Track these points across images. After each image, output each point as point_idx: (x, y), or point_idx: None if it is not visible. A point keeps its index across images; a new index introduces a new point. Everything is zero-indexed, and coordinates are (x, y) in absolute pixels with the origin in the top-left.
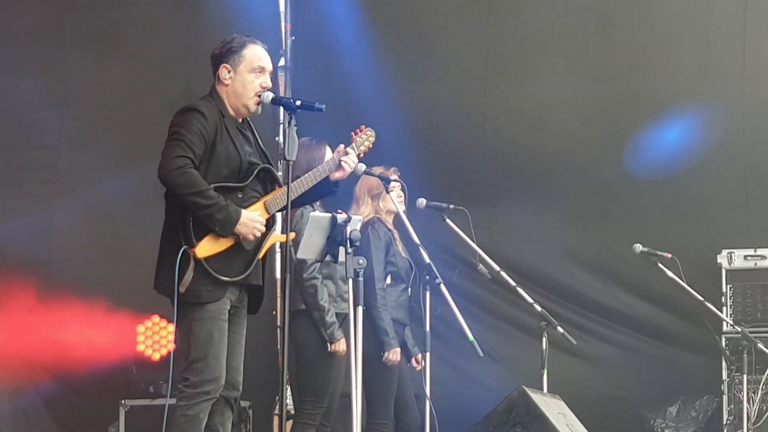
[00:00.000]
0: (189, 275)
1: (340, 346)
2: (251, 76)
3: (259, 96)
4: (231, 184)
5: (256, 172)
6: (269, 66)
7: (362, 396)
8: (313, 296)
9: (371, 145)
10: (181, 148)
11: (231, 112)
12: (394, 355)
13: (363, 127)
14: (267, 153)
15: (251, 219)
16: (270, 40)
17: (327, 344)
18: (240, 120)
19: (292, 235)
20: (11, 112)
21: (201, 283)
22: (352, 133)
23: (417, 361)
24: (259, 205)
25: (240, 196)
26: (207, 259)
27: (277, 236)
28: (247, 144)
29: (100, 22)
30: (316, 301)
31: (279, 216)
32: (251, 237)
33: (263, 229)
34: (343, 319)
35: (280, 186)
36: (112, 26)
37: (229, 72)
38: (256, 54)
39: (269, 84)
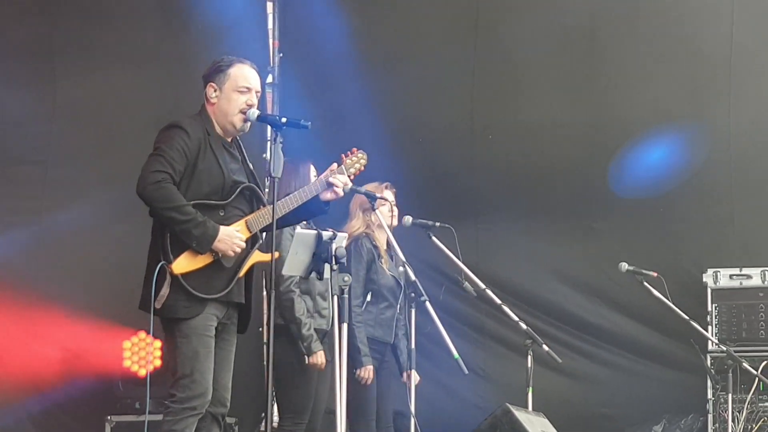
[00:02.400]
0: (165, 291)
1: (318, 359)
2: (236, 94)
3: (244, 113)
4: (213, 202)
5: (239, 190)
6: (255, 86)
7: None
8: (290, 309)
9: (362, 168)
10: (160, 163)
11: (218, 130)
12: (366, 372)
13: (354, 149)
14: (255, 173)
15: (229, 235)
16: (258, 57)
17: (304, 358)
18: (228, 139)
19: (277, 254)
20: (0, 127)
21: (177, 299)
22: (343, 155)
23: (408, 376)
24: (241, 223)
25: (222, 214)
26: (185, 275)
27: (259, 255)
28: (233, 162)
29: (89, 38)
30: (293, 314)
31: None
32: (230, 253)
33: (242, 245)
34: (323, 335)
35: (265, 205)
36: (102, 42)
37: (215, 91)
38: (241, 73)
39: (254, 102)
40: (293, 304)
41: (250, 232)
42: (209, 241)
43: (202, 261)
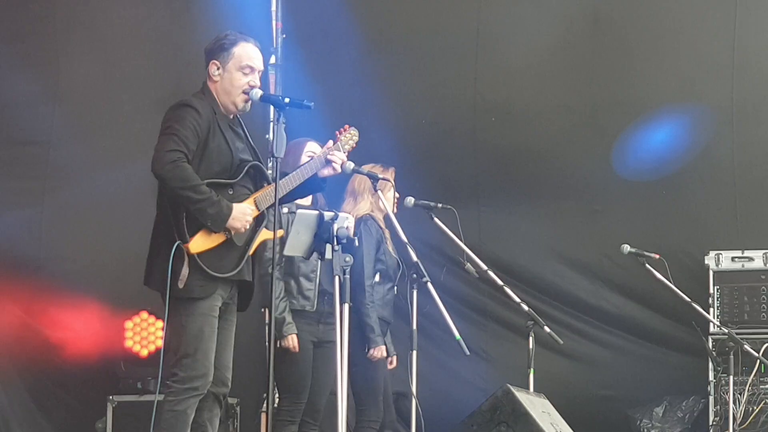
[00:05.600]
0: (185, 271)
1: (289, 342)
2: (239, 74)
3: (247, 93)
4: (222, 181)
5: (246, 169)
6: (259, 65)
7: (349, 394)
8: (266, 291)
9: (355, 145)
10: (174, 142)
11: (222, 108)
12: (379, 352)
13: (347, 126)
14: (257, 149)
15: (242, 212)
16: (261, 38)
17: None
18: (231, 116)
19: (280, 232)
20: (2, 108)
21: (193, 279)
22: (337, 132)
23: (391, 362)
24: (250, 201)
25: (231, 192)
26: (200, 254)
27: (266, 232)
28: (238, 140)
29: (92, 19)
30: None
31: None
32: (242, 230)
33: (251, 221)
34: (319, 315)
35: (269, 183)
36: (104, 23)
37: (218, 69)
38: (245, 52)
39: (257, 83)
40: (268, 286)
41: (258, 210)
42: (224, 219)
43: (216, 240)
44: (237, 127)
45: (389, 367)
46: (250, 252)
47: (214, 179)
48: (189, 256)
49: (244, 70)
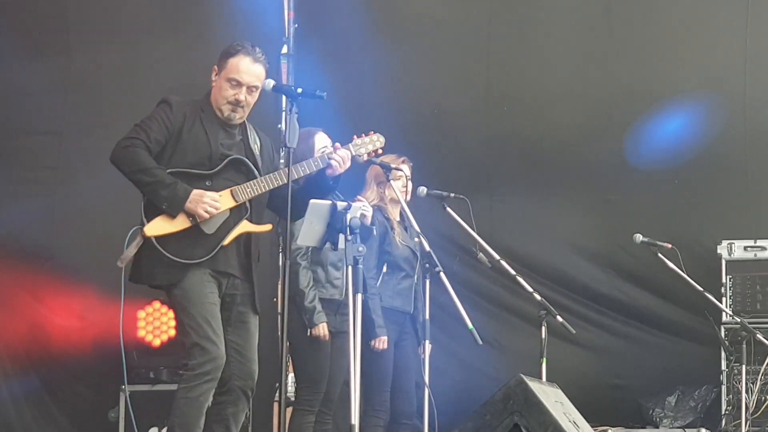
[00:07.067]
0: (131, 251)
1: (320, 330)
2: (226, 84)
3: (232, 105)
4: (198, 171)
5: (226, 161)
6: (249, 81)
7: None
8: (294, 281)
9: (378, 150)
10: (134, 131)
11: (217, 112)
12: (380, 343)
13: (371, 132)
14: (255, 155)
15: (200, 195)
16: (273, 28)
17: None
18: (232, 122)
19: (269, 227)
20: (15, 98)
21: (155, 265)
22: (355, 136)
23: (422, 350)
24: (226, 192)
25: (209, 183)
26: (162, 241)
27: (248, 225)
28: (228, 139)
29: (105, 8)
30: (296, 285)
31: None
32: (203, 214)
33: (216, 205)
34: (337, 305)
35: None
36: (117, 12)
37: (215, 74)
38: (237, 66)
39: (243, 98)
40: (297, 276)
41: (236, 201)
42: (179, 202)
43: (177, 225)
44: (233, 129)
45: (422, 356)
46: (225, 243)
47: (187, 169)
48: (144, 239)
49: (231, 82)
